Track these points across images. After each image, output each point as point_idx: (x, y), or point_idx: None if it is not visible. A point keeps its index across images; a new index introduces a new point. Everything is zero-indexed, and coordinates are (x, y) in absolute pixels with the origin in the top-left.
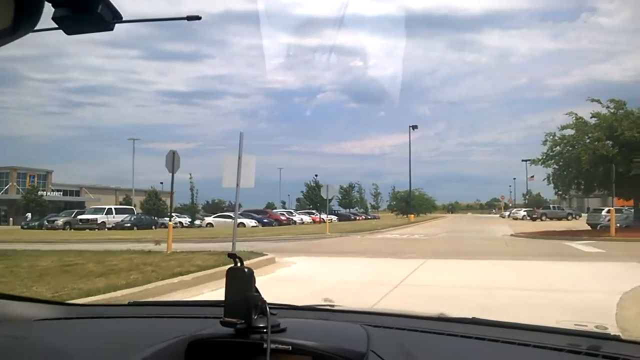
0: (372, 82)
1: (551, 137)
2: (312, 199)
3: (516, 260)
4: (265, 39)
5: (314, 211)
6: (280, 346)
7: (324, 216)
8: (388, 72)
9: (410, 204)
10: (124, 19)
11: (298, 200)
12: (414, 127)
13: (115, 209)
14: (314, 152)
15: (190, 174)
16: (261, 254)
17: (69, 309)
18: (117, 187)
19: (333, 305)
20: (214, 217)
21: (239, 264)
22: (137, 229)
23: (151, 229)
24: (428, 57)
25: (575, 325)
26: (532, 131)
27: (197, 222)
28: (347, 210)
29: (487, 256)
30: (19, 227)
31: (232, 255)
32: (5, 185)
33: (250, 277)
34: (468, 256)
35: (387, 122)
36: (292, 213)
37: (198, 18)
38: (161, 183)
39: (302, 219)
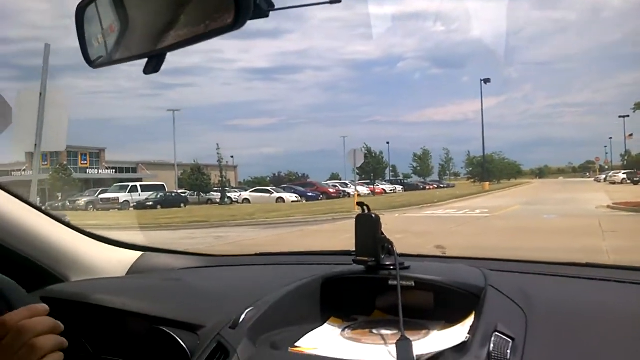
0: (455, 46)
1: None
2: (364, 167)
3: None
4: (345, 10)
5: (367, 181)
6: (404, 283)
7: (383, 186)
8: (471, 35)
9: (485, 170)
10: (276, 7)
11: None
12: (486, 80)
13: (141, 185)
14: (395, 121)
15: (217, 144)
16: None
17: (207, 259)
18: (180, 162)
19: (445, 253)
20: (251, 192)
21: (366, 211)
22: (162, 207)
23: (179, 206)
24: (513, 17)
25: None
26: (626, 89)
27: (235, 196)
28: (423, 178)
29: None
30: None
31: (360, 204)
32: (56, 166)
33: (377, 221)
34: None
35: (471, 87)
36: (346, 185)
37: (339, 1)
38: (232, 157)
39: (357, 191)
